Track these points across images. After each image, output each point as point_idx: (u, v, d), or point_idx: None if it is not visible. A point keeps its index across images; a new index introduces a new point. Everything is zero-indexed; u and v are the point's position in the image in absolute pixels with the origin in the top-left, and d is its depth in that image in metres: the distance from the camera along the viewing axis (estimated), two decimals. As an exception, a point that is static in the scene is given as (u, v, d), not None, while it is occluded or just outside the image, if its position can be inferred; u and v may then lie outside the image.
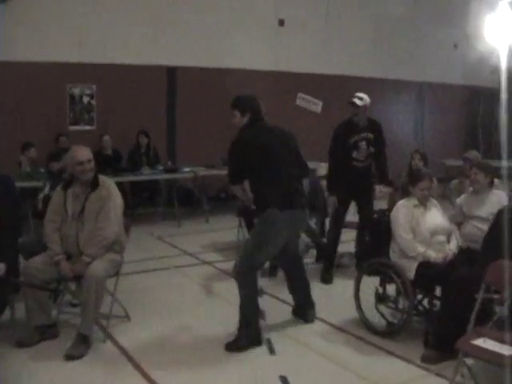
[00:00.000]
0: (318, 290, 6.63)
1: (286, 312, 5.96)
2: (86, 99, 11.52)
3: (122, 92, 11.45)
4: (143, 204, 10.65)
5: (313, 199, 7.92)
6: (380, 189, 7.20)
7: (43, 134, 10.46)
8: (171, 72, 12.19)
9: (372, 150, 7.05)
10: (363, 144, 6.98)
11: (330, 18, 13.55)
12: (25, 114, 10.54)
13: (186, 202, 11.19)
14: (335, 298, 6.49)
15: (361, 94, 6.96)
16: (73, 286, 5.81)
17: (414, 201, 5.50)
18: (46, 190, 6.46)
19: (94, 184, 5.34)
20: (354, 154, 6.99)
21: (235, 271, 5.41)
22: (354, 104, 6.90)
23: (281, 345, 5.22)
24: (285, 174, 5.24)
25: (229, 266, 7.51)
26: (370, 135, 7.02)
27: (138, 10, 11.50)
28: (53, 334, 5.30)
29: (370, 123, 7.08)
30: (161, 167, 10.91)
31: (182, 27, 11.89)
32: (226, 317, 5.33)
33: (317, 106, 13.45)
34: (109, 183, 5.45)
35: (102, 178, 5.47)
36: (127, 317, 5.75)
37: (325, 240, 7.72)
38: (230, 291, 6.34)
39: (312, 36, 13.42)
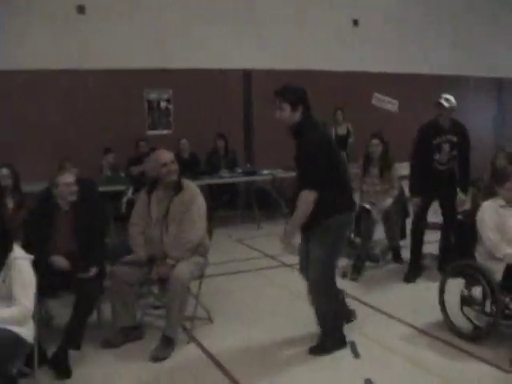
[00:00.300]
0: (400, 292, 6.65)
1: (369, 314, 5.95)
2: (163, 104, 11.69)
3: (198, 96, 11.55)
4: (222, 207, 10.69)
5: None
6: (459, 198, 6.98)
7: (123, 138, 10.64)
8: (247, 75, 12.25)
9: (454, 153, 6.89)
10: (446, 146, 6.83)
11: (404, 15, 13.39)
12: (105, 119, 10.76)
13: (264, 205, 11.18)
14: (418, 299, 6.36)
15: (448, 96, 6.78)
16: (155, 288, 5.91)
17: (500, 201, 5.36)
18: (129, 193, 6.58)
19: (178, 188, 5.40)
20: (437, 157, 6.85)
21: (312, 285, 5.05)
22: (440, 105, 6.75)
23: (365, 348, 5.17)
24: (347, 175, 5.22)
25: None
26: (454, 138, 6.84)
27: (214, 14, 11.59)
28: (137, 335, 5.40)
29: (455, 125, 6.90)
30: (239, 170, 10.96)
31: (257, 30, 11.94)
32: (308, 319, 5.28)
33: (393, 105, 13.29)
34: (193, 187, 5.51)
35: (186, 182, 5.52)
36: (210, 319, 5.80)
37: (403, 241, 7.73)
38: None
39: (387, 35, 13.25)
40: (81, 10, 10.74)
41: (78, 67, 10.45)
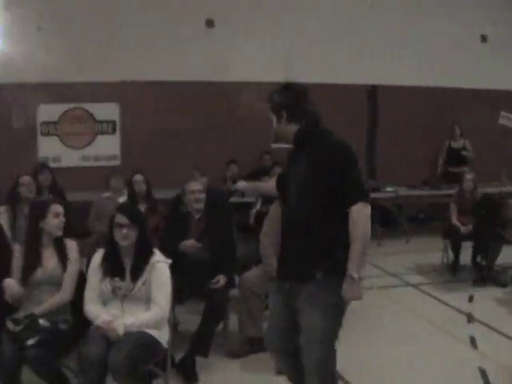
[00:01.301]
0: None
1: (500, 342, 5.73)
2: (287, 117, 11.72)
3: (322, 111, 11.49)
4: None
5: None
6: None
7: (248, 151, 10.77)
8: (372, 91, 12.13)
9: None
10: None
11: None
12: (232, 130, 10.94)
13: (384, 222, 10.96)
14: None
15: None
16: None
17: None
18: (258, 205, 6.61)
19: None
20: None
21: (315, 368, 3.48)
22: None
23: (496, 376, 4.93)
24: None
25: (434, 288, 7.46)
26: None
27: (339, 29, 11.58)
28: (263, 347, 5.34)
29: None
30: (362, 186, 10.81)
31: (383, 46, 11.80)
32: (432, 342, 5.12)
33: (521, 125, 12.77)
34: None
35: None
36: (335, 335, 5.72)
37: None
38: (437, 315, 6.21)
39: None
40: (210, 24, 11.01)
41: (207, 79, 10.68)
